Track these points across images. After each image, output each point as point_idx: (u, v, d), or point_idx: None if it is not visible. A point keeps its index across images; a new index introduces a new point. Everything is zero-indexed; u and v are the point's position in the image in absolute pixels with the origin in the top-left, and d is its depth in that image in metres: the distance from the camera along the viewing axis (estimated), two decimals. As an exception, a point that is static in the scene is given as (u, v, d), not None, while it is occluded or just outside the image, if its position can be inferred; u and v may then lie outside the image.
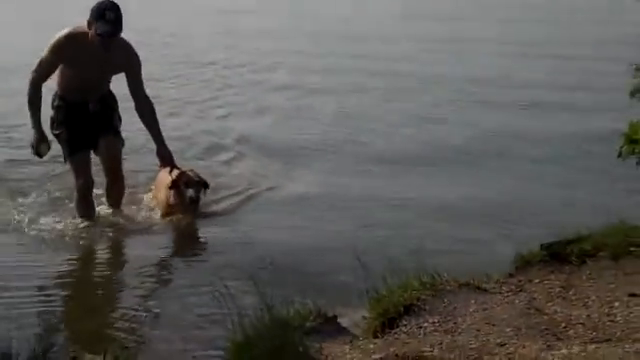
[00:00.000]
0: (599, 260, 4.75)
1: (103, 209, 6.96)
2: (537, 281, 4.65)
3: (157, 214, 7.02)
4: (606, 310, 4.13)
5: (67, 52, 6.31)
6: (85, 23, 6.22)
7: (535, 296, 4.41)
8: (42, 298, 5.35)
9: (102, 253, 6.56)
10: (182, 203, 6.72)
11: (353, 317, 4.49)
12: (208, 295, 5.00)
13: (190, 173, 6.75)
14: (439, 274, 4.67)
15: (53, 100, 6.64)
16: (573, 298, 4.33)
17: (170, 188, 6.71)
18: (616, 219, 5.23)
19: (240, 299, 4.26)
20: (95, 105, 6.62)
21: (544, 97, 12.43)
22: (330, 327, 4.22)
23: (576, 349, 3.61)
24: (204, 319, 4.95)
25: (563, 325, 3.98)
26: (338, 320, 4.31)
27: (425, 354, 3.66)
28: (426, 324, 4.12)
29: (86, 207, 6.70)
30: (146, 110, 6.60)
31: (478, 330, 3.98)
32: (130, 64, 6.51)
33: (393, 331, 4.12)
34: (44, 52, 6.33)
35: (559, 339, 3.82)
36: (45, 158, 6.77)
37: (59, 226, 6.60)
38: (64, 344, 3.89)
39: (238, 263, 5.80)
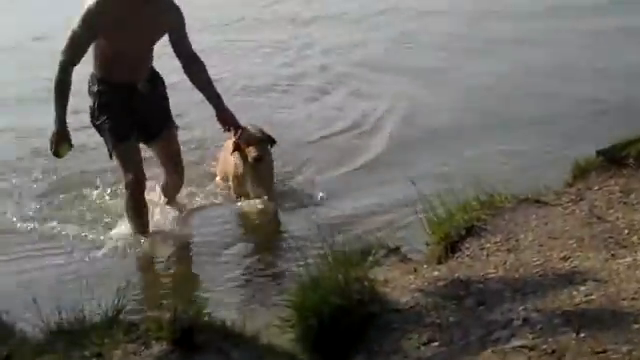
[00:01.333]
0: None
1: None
2: (596, 188, 4.53)
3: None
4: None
5: (105, 18, 5.15)
6: None
7: (596, 204, 4.29)
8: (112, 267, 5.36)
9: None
10: (248, 167, 5.93)
11: (416, 246, 4.45)
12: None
13: (251, 129, 5.89)
14: (497, 192, 4.58)
15: (90, 85, 5.51)
16: (634, 202, 4.21)
17: (232, 152, 5.95)
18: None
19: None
20: (144, 86, 5.55)
21: None
22: (394, 257, 4.19)
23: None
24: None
25: (626, 232, 3.87)
26: (401, 250, 4.27)
27: (490, 276, 3.62)
28: (488, 245, 4.03)
29: (138, 208, 5.61)
30: (198, 68, 5.63)
31: (541, 245, 3.88)
32: (176, 20, 5.50)
33: (456, 255, 4.05)
34: (74, 25, 5.17)
35: (623, 247, 3.72)
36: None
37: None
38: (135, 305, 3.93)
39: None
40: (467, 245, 4.09)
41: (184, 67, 5.67)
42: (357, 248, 4.16)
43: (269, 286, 4.91)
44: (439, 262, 4.03)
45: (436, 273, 3.79)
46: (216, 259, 5.39)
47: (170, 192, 6.06)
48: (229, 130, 5.67)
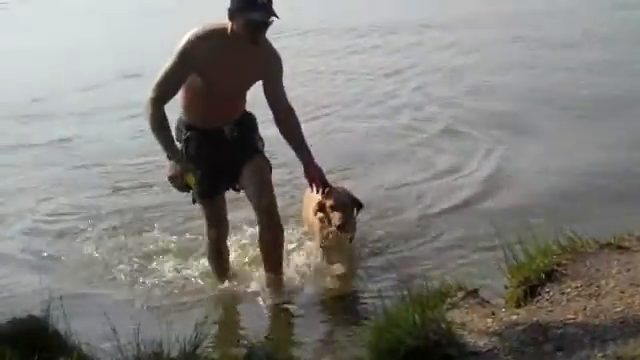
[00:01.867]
0: None
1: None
2: None
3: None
4: None
5: (201, 57, 4.82)
6: (216, 22, 4.92)
7: None
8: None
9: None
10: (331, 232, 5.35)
11: (494, 288, 4.37)
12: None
13: (339, 190, 5.33)
14: (579, 236, 4.47)
15: (179, 131, 5.15)
16: None
17: (316, 212, 5.33)
18: None
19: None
20: (232, 130, 5.14)
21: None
22: (472, 300, 4.12)
23: None
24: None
25: None
26: (479, 293, 4.19)
27: (569, 321, 3.53)
28: (569, 289, 3.94)
29: (219, 261, 5.44)
30: (292, 122, 5.18)
31: (622, 292, 3.77)
32: (274, 67, 5.08)
33: (535, 299, 3.97)
34: (168, 62, 4.85)
35: None
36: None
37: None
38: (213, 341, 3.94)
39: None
40: (547, 290, 4.00)
41: (277, 119, 5.21)
42: (435, 289, 4.12)
43: (345, 326, 4.81)
44: (518, 306, 3.96)
45: (514, 317, 3.72)
46: (293, 298, 5.32)
47: (268, 246, 5.26)
48: (317, 187, 5.19)
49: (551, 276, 4.08)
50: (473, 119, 9.43)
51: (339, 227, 5.15)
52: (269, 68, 5.05)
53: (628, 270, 4.00)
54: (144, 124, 5.15)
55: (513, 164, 7.85)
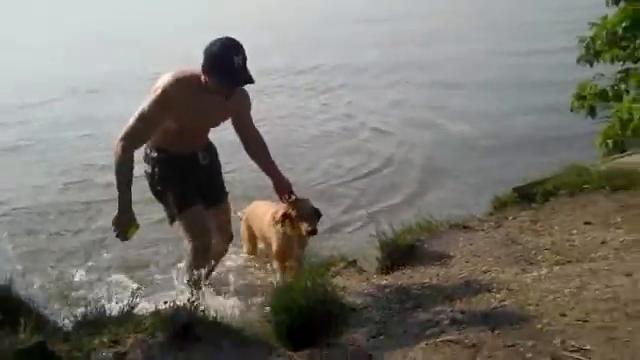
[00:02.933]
0: (559, 197, 4.83)
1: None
2: (511, 218, 4.74)
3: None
4: (567, 237, 4.20)
5: (179, 103, 4.22)
6: (190, 67, 4.34)
7: (510, 230, 4.48)
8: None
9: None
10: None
11: (369, 260, 4.49)
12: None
13: (303, 202, 4.86)
14: (434, 219, 4.77)
15: (148, 152, 4.59)
16: (540, 229, 4.40)
17: (281, 221, 4.82)
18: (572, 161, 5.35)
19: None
20: (204, 156, 4.71)
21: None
22: (351, 269, 4.34)
23: (544, 270, 3.72)
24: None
25: (533, 252, 4.06)
26: (357, 263, 4.41)
27: (426, 284, 3.80)
28: (425, 260, 4.19)
29: (203, 268, 4.46)
30: (260, 147, 4.75)
31: (467, 261, 4.06)
32: (244, 105, 4.62)
33: (400, 268, 4.18)
34: (144, 106, 4.19)
35: (531, 264, 3.90)
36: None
37: None
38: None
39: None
40: (409, 260, 4.23)
41: (246, 145, 4.75)
42: (322, 261, 4.34)
43: (254, 292, 4.97)
44: (387, 273, 4.16)
45: (384, 282, 3.95)
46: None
47: (215, 257, 4.89)
48: (286, 199, 4.78)
49: (413, 249, 4.34)
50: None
51: (311, 232, 4.69)
52: (240, 107, 4.58)
53: (471, 244, 4.31)
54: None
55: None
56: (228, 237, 5.02)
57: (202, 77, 4.21)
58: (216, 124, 4.61)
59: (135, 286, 4.20)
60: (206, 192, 4.72)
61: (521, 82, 12.09)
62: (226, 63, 4.08)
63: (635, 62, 8.09)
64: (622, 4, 7.87)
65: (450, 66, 14.32)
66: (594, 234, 4.16)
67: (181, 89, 4.21)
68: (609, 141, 7.80)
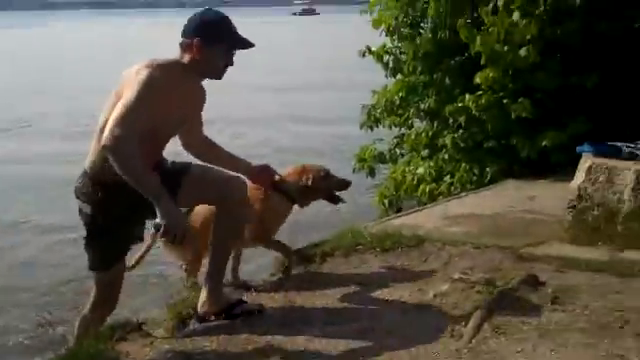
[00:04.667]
0: (335, 258, 5.15)
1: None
2: (295, 275, 4.91)
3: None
4: (338, 297, 4.47)
5: (165, 87, 3.66)
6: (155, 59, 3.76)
7: (289, 290, 4.64)
8: None
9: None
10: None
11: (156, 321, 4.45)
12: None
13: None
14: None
15: (86, 188, 3.82)
16: (316, 290, 4.61)
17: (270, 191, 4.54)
18: (350, 223, 5.76)
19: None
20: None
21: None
22: (137, 332, 4.29)
23: (317, 331, 3.94)
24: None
25: (307, 315, 4.23)
26: (143, 327, 4.35)
27: (206, 347, 3.88)
28: (210, 323, 4.20)
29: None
30: (210, 145, 4.31)
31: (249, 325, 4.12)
32: (203, 102, 4.14)
33: (186, 329, 4.20)
34: (130, 94, 3.53)
35: (305, 324, 4.08)
36: None
37: None
38: None
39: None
40: (194, 321, 4.23)
41: (195, 150, 4.27)
42: (109, 324, 4.29)
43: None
44: (172, 335, 4.13)
45: (167, 346, 3.95)
46: None
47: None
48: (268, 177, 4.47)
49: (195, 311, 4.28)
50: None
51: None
52: (201, 103, 4.12)
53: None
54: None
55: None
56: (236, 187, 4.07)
57: (186, 58, 3.80)
58: (184, 121, 4.01)
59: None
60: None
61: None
62: (229, 24, 3.83)
63: (409, 128, 8.90)
64: (399, 76, 8.66)
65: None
66: (362, 294, 4.50)
67: (164, 70, 3.70)
68: (385, 200, 8.49)
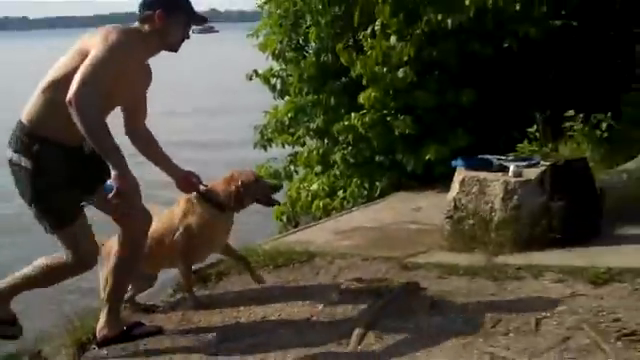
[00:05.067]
0: (230, 277, 5.33)
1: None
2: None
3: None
4: (234, 314, 4.66)
5: (129, 51, 3.66)
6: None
7: (187, 310, 4.78)
8: None
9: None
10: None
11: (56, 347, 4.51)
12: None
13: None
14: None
15: (21, 141, 3.68)
16: (214, 308, 4.78)
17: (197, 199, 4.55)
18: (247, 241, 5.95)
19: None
20: (88, 145, 3.67)
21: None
22: (37, 360, 4.36)
23: (213, 349, 4.11)
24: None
25: (201, 334, 4.37)
26: (42, 354, 4.41)
27: None
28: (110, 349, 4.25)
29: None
30: (152, 139, 4.26)
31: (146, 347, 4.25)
32: (151, 79, 4.11)
33: (84, 355, 4.25)
34: (96, 53, 3.48)
35: (201, 342, 4.24)
36: None
37: None
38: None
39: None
40: (94, 347, 4.28)
41: (137, 138, 4.19)
42: (7, 354, 4.30)
43: None
44: None
45: None
46: None
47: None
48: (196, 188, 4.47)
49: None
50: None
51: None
52: (149, 80, 4.10)
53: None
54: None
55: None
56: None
57: (146, 28, 3.79)
58: (135, 98, 4.04)
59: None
60: (92, 178, 3.92)
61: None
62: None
63: (302, 146, 9.20)
64: (287, 97, 8.96)
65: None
66: (257, 310, 4.69)
67: (131, 37, 3.70)
68: (283, 217, 8.75)
